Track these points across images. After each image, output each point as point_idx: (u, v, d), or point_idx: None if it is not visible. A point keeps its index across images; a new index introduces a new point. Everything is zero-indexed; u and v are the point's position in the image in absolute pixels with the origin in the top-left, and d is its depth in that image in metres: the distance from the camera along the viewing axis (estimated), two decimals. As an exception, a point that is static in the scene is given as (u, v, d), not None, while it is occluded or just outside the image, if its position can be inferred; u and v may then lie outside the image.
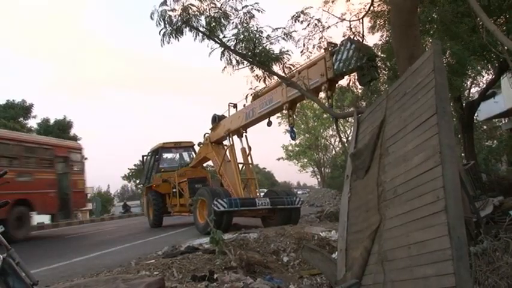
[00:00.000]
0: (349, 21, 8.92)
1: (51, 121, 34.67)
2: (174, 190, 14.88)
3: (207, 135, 13.83)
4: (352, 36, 8.34)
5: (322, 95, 9.33)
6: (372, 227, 3.82)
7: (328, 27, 7.96)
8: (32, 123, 33.05)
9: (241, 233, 8.85)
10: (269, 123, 11.04)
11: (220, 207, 10.25)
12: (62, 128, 34.34)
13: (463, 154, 16.17)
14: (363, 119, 5.06)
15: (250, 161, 12.61)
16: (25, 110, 31.79)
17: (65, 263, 7.65)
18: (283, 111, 10.40)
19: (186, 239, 9.34)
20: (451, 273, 2.63)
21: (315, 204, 24.09)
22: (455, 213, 2.79)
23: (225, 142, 12.99)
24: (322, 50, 8.31)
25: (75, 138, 35.50)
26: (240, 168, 12.59)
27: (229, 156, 12.53)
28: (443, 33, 9.71)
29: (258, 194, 12.34)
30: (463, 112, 15.68)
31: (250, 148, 12.46)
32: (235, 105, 12.45)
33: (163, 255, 7.13)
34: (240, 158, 12.50)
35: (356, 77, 8.04)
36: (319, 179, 54.33)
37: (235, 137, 12.38)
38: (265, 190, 14.73)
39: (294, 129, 10.34)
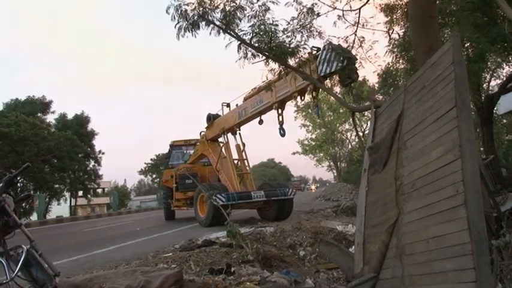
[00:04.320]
0: (342, 10, 9.00)
1: (69, 116, 35.17)
2: (174, 185, 15.42)
3: (203, 133, 14.59)
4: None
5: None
6: (390, 220, 3.80)
7: (318, 15, 7.93)
8: (51, 118, 33.57)
9: (258, 227, 8.88)
10: (260, 122, 11.77)
11: (218, 202, 10.66)
12: (79, 123, 34.81)
13: (482, 148, 15.91)
14: (380, 112, 5.02)
15: (244, 157, 13.41)
16: (45, 105, 32.27)
17: (85, 256, 7.76)
18: (274, 110, 10.94)
19: (202, 232, 9.40)
20: (471, 268, 2.60)
21: (331, 199, 24.01)
22: (475, 208, 2.76)
23: (220, 139, 13.84)
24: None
25: (92, 133, 36.00)
26: (236, 164, 13.36)
27: (224, 153, 13.27)
28: (462, 24, 9.58)
29: (253, 187, 13.05)
30: (482, 106, 15.42)
31: (244, 144, 13.34)
32: (228, 105, 13.23)
33: (180, 249, 7.18)
34: (235, 155, 13.31)
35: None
36: (335, 174, 54.18)
37: (229, 135, 13.23)
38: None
39: (284, 127, 10.95)
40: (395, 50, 12.22)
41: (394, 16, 11.50)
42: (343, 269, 5.31)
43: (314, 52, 8.56)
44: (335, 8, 9.06)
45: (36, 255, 3.19)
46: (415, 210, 3.46)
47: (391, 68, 14.91)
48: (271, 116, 11.42)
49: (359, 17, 9.16)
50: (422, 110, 3.71)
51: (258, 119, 11.85)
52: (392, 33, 10.54)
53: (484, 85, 18.26)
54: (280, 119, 10.87)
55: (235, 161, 13.39)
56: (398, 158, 4.01)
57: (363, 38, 8.92)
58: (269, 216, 12.64)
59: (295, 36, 7.19)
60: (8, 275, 2.96)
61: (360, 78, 10.41)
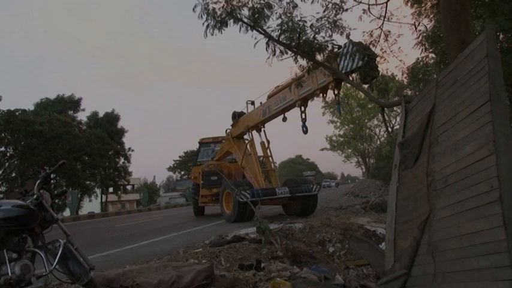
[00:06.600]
0: (368, 4, 8.86)
1: (100, 114, 35.87)
2: (201, 182, 15.65)
3: (228, 131, 14.72)
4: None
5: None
6: (422, 217, 3.75)
7: (342, 10, 7.82)
8: (81, 116, 34.31)
9: (287, 223, 8.88)
10: (284, 119, 12.01)
11: (243, 198, 10.97)
12: (110, 120, 35.46)
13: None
14: (411, 107, 4.95)
15: (269, 154, 13.56)
16: (74, 103, 33.01)
17: (117, 251, 7.93)
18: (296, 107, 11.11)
19: (232, 228, 9.46)
20: (508, 265, 2.55)
21: (360, 195, 23.81)
22: (511, 204, 2.70)
23: (245, 137, 14.01)
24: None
25: (122, 130, 36.61)
26: (261, 161, 13.65)
27: (249, 150, 13.43)
28: (494, 14, 9.31)
29: (278, 184, 13.17)
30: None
31: (268, 142, 13.51)
32: (252, 102, 13.51)
33: (210, 244, 7.24)
34: (260, 152, 13.54)
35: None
36: (364, 170, 53.65)
37: (254, 132, 13.45)
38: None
39: (306, 124, 11.06)
40: (424, 42, 11.97)
41: (423, 8, 11.26)
42: (374, 265, 5.28)
43: (335, 50, 8.56)
44: (360, 2, 8.93)
45: (72, 249, 3.31)
46: (448, 206, 3.41)
47: (421, 63, 14.63)
48: (298, 113, 11.44)
49: (386, 11, 9.00)
50: (454, 105, 3.65)
51: (281, 116, 12.02)
52: (418, 25, 10.28)
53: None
54: (303, 117, 10.99)
55: (260, 158, 13.61)
56: (430, 153, 3.95)
57: (389, 31, 8.80)
58: (294, 212, 12.82)
59: (322, 32, 7.15)
60: (46, 268, 3.08)
61: (389, 74, 10.37)
